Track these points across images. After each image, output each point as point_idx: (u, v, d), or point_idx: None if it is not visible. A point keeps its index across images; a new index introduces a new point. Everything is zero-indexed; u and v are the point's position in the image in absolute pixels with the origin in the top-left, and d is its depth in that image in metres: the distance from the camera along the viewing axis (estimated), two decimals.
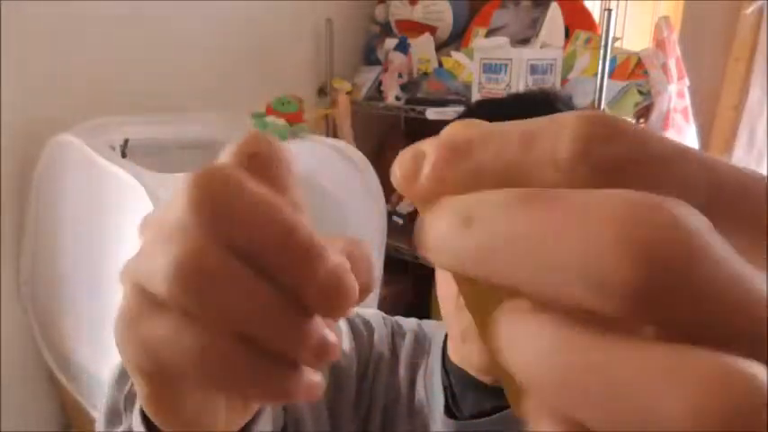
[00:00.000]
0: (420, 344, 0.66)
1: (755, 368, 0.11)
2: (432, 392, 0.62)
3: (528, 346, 0.13)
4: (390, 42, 1.98)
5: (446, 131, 0.16)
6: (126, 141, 1.47)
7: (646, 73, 1.55)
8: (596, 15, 1.83)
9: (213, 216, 0.18)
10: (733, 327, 0.11)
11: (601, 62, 1.37)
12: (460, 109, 1.23)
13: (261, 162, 0.19)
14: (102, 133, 1.41)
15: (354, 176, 1.54)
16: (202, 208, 0.18)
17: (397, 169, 0.16)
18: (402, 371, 0.64)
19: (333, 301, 0.18)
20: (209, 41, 1.76)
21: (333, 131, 2.01)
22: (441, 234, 0.14)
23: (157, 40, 1.64)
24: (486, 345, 0.15)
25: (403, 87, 1.89)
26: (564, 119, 0.14)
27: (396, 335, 0.67)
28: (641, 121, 1.62)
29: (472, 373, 0.60)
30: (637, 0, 2.15)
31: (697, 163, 0.14)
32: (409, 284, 2.04)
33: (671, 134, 1.57)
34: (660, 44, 1.56)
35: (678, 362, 0.11)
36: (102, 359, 1.33)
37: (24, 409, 1.58)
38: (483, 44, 1.78)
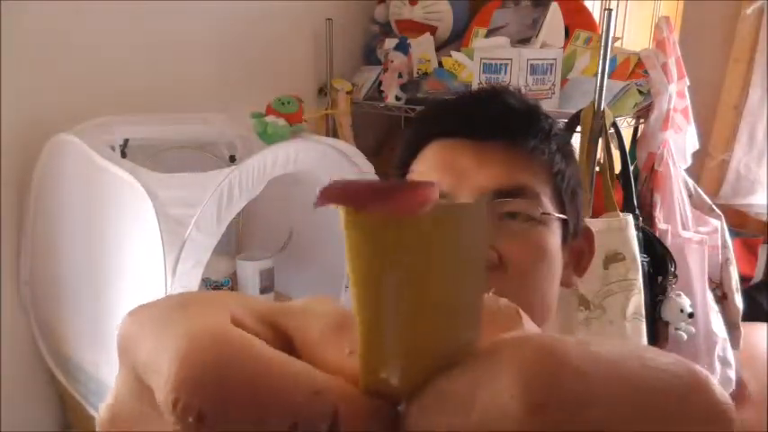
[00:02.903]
0: None
1: None
2: None
3: None
4: (390, 42, 1.98)
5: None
6: (126, 141, 1.47)
7: (646, 73, 1.55)
8: (596, 15, 1.83)
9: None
10: None
11: (601, 62, 1.37)
12: None
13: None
14: (102, 133, 1.41)
15: (354, 176, 1.54)
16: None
17: None
18: None
19: None
20: (209, 41, 1.76)
21: (333, 131, 2.01)
22: None
23: (157, 40, 1.64)
24: None
25: (403, 87, 1.89)
26: (501, 384, 0.14)
27: None
28: (641, 120, 1.62)
29: None
30: (637, 0, 2.15)
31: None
32: None
33: (671, 134, 1.57)
34: (660, 44, 1.56)
35: None
36: (101, 359, 1.33)
37: (24, 409, 1.58)
38: (483, 44, 1.78)
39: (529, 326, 0.18)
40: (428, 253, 0.15)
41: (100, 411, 0.18)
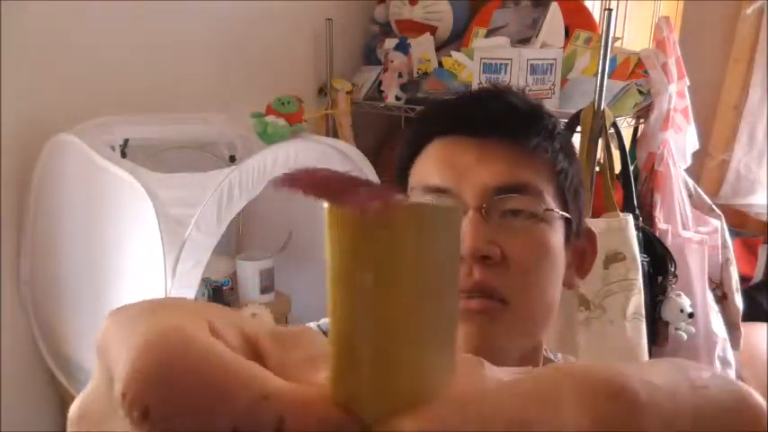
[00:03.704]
0: None
1: None
2: None
3: None
4: (390, 42, 1.98)
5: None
6: (126, 141, 1.47)
7: (646, 73, 1.55)
8: (596, 15, 1.83)
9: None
10: None
11: (601, 62, 1.37)
12: None
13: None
14: (102, 133, 1.41)
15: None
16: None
17: None
18: None
19: None
20: (210, 41, 1.76)
21: (333, 131, 2.01)
22: None
23: (157, 40, 1.64)
24: None
25: (403, 87, 1.89)
26: (561, 396, 0.14)
27: None
28: (641, 120, 1.62)
29: None
30: (637, 0, 2.15)
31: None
32: None
33: (671, 134, 1.57)
34: (660, 44, 1.56)
35: None
36: None
37: (24, 409, 1.58)
38: (483, 44, 1.78)
39: (492, 373, 0.17)
40: (397, 253, 0.15)
41: (72, 407, 0.18)
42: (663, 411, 0.14)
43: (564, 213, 0.58)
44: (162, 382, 0.14)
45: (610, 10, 1.37)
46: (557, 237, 0.57)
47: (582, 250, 0.63)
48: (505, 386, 0.15)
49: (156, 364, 0.15)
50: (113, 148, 1.43)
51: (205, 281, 1.54)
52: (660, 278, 1.37)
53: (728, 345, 1.58)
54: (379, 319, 0.15)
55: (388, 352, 0.15)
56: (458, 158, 0.57)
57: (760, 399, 0.16)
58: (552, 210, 0.56)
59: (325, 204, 0.15)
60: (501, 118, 0.58)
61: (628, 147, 1.50)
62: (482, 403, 0.15)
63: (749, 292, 1.91)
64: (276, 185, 0.15)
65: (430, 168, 0.58)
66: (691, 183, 1.66)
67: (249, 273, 1.65)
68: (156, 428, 0.14)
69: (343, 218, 0.15)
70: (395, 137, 2.17)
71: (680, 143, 1.63)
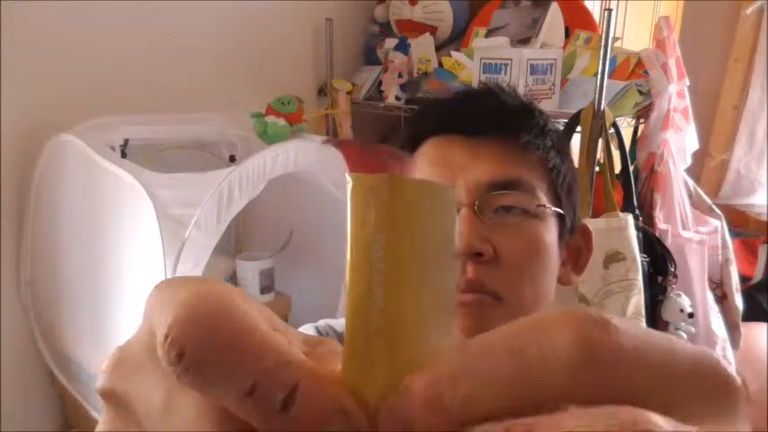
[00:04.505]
0: None
1: None
2: None
3: None
4: (390, 42, 1.98)
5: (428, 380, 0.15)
6: (126, 141, 1.47)
7: (646, 73, 1.55)
8: (596, 15, 1.83)
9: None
10: None
11: (601, 62, 1.37)
12: None
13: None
14: (102, 133, 1.41)
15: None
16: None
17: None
18: None
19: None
20: (209, 41, 1.76)
21: (333, 131, 2.01)
22: None
23: (157, 40, 1.64)
24: None
25: (403, 87, 1.89)
26: (551, 325, 0.15)
27: None
28: (641, 120, 1.62)
29: None
30: (637, 0, 2.15)
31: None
32: None
33: (671, 134, 1.57)
34: (660, 44, 1.56)
35: None
36: (102, 359, 1.33)
37: (24, 409, 1.58)
38: (483, 44, 1.78)
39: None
40: (396, 222, 0.16)
41: (107, 359, 0.20)
42: (639, 349, 0.15)
43: (557, 209, 0.58)
44: (199, 330, 0.16)
45: (610, 10, 1.37)
46: (549, 233, 0.57)
47: (577, 247, 0.64)
48: (501, 329, 0.16)
49: (196, 314, 0.16)
50: (113, 148, 1.43)
51: None
52: (660, 278, 1.37)
53: (728, 345, 1.58)
54: (387, 292, 0.16)
55: (396, 326, 0.16)
56: (451, 157, 0.58)
57: (731, 369, 0.16)
58: (544, 206, 0.57)
59: (349, 178, 0.17)
60: (492, 116, 0.59)
61: (628, 147, 1.50)
62: (480, 344, 0.16)
63: (749, 292, 1.91)
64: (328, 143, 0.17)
65: (424, 167, 0.59)
66: (691, 183, 1.66)
67: (249, 273, 1.65)
68: (189, 369, 0.16)
69: (357, 187, 0.16)
70: (395, 137, 2.17)
71: (680, 143, 1.63)
